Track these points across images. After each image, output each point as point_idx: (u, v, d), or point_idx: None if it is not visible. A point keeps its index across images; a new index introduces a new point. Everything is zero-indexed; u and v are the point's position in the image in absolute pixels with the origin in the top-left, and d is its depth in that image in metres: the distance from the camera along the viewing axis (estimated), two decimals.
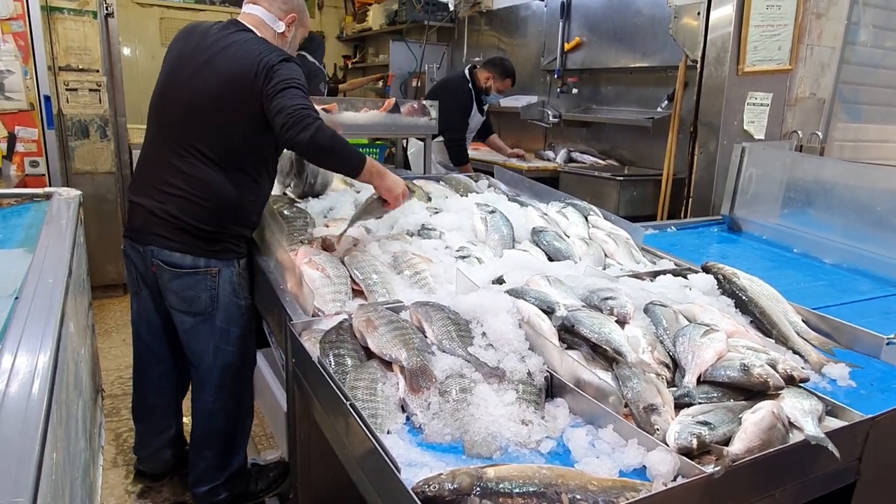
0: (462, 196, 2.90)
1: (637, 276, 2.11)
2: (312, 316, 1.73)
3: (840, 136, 3.79)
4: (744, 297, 1.87)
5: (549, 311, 1.54)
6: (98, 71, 4.70)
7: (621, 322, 1.52)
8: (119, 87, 4.97)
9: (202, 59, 2.02)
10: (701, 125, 3.50)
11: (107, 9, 4.78)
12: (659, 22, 4.11)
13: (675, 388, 1.35)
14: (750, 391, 1.33)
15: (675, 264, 2.31)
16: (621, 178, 3.90)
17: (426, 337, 1.51)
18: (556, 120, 5.10)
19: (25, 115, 3.68)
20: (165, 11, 7.98)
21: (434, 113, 3.49)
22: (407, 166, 4.51)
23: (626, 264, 2.29)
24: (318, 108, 3.24)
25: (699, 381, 1.36)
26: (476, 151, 5.17)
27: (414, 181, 3.11)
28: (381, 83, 7.44)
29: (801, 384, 1.38)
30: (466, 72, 4.66)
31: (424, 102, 3.49)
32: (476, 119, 4.71)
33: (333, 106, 3.27)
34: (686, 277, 2.04)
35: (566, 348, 1.48)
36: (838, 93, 3.69)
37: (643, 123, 4.15)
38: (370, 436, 1.14)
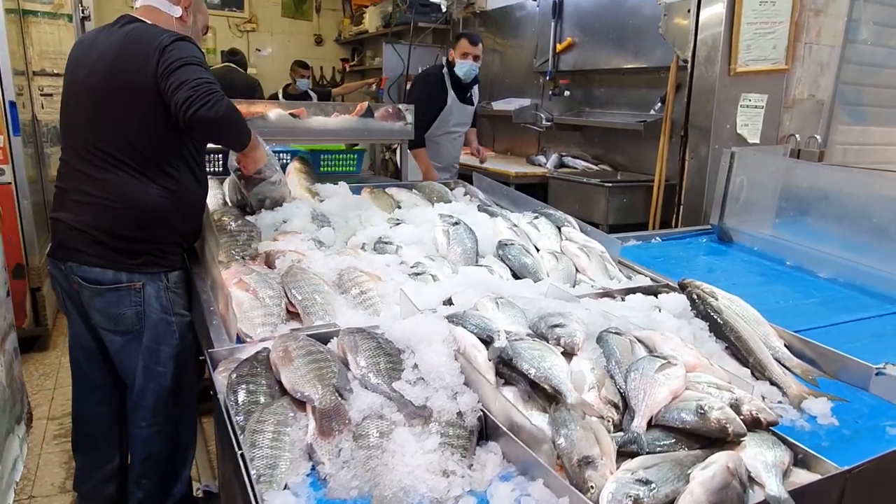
0: (435, 205, 2.75)
1: (608, 293, 1.94)
2: (238, 342, 1.58)
3: (841, 139, 3.59)
4: (718, 320, 1.69)
5: (488, 341, 1.38)
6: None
7: (569, 353, 1.35)
8: None
9: (94, 58, 1.90)
10: (691, 129, 3.31)
11: (83, 12, 4.68)
12: (651, 21, 3.93)
13: (622, 433, 1.18)
14: (708, 437, 1.16)
15: (652, 280, 2.13)
16: (610, 185, 3.72)
17: (350, 370, 1.35)
18: (549, 123, 4.93)
19: None
20: None
21: (410, 118, 3.33)
22: (397, 175, 4.29)
23: (598, 280, 2.11)
24: (285, 112, 3.12)
25: (650, 425, 1.18)
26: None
27: (386, 189, 2.96)
28: (374, 86, 7.31)
29: (770, 428, 1.21)
30: (444, 61, 4.39)
31: (399, 106, 3.33)
32: (459, 110, 4.25)
33: (302, 111, 3.12)
34: (657, 296, 1.87)
35: (503, 384, 1.31)
36: (839, 94, 3.49)
37: (635, 127, 3.97)
38: (252, 494, 0.98)
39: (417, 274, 1.94)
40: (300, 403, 1.26)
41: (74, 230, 1.88)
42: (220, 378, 1.36)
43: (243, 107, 3.07)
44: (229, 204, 2.51)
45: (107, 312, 1.90)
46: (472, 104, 4.36)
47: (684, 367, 1.29)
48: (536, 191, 4.31)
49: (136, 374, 1.97)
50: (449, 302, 1.71)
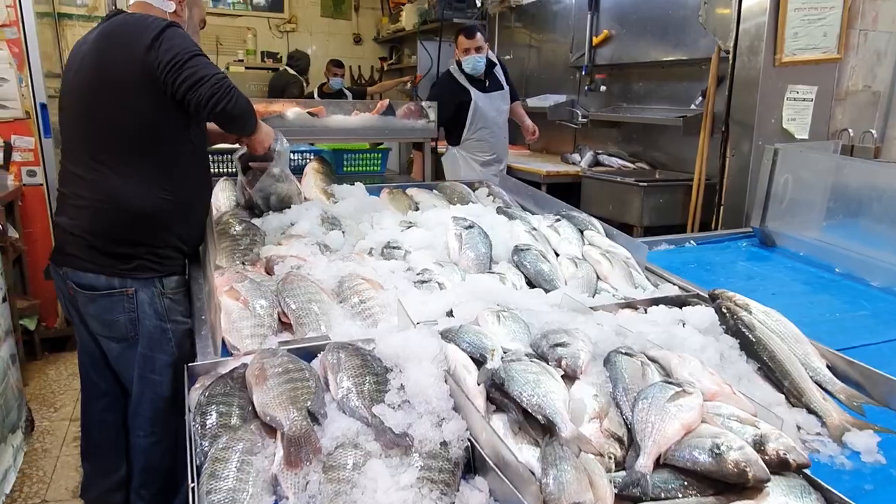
0: (456, 206, 2.63)
1: (630, 304, 1.78)
2: (225, 355, 1.49)
3: None
4: (751, 338, 1.52)
5: (481, 361, 1.24)
6: None
7: (570, 377, 1.20)
8: None
9: (81, 56, 1.85)
10: (733, 124, 3.09)
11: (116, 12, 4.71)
12: (692, 11, 3.70)
13: (624, 473, 1.03)
14: (725, 482, 1.00)
15: (681, 289, 1.96)
16: (645, 184, 3.52)
17: (330, 390, 1.24)
18: (585, 120, 4.74)
19: (21, 124, 3.59)
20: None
21: (433, 115, 3.21)
22: (440, 175, 4.12)
23: (621, 289, 1.95)
24: (304, 111, 3.03)
25: (658, 465, 1.03)
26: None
27: (406, 189, 2.85)
28: (409, 84, 7.22)
29: (801, 470, 1.04)
30: (454, 60, 4.22)
31: (423, 104, 3.21)
32: (486, 101, 4.05)
33: (321, 109, 3.04)
34: (683, 308, 1.70)
35: (495, 410, 1.18)
36: None
37: (673, 123, 3.75)
38: None
39: (423, 282, 1.82)
40: (271, 428, 1.16)
41: (70, 235, 1.84)
42: (194, 395, 1.27)
43: (262, 105, 3.01)
44: (240, 206, 2.44)
45: (101, 319, 1.85)
46: (502, 87, 4.18)
47: (701, 397, 1.14)
48: (569, 191, 4.14)
49: (131, 383, 1.91)
50: (450, 314, 1.59)
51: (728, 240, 2.70)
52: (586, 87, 4.78)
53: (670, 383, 1.14)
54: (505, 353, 1.27)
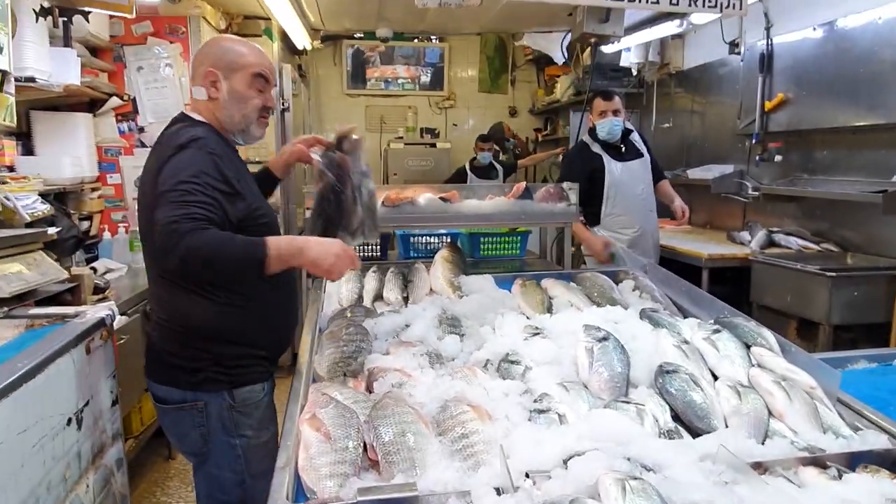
0: (595, 304, 2.31)
1: (817, 459, 1.34)
2: (299, 500, 1.30)
3: None
4: None
5: None
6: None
7: None
8: (290, 177, 5.18)
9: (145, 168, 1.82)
10: None
11: (283, 104, 5.07)
12: (891, 65, 3.14)
13: None
14: None
15: (894, 437, 1.46)
16: (834, 273, 2.91)
17: None
18: (756, 193, 4.18)
19: None
20: (370, 100, 8.74)
21: (573, 197, 2.93)
22: (582, 260, 3.79)
23: (802, 433, 1.50)
24: (436, 196, 2.91)
25: None
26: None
27: (541, 280, 2.57)
28: (560, 156, 7.02)
29: None
30: (587, 129, 3.93)
31: (563, 185, 2.95)
32: (622, 170, 3.69)
33: (454, 194, 2.90)
34: None
35: None
36: None
37: (870, 199, 3.12)
38: None
39: (541, 412, 1.52)
40: None
41: (151, 347, 1.83)
42: None
43: (394, 191, 2.94)
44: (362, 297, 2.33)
45: (174, 432, 1.80)
46: (641, 155, 3.81)
47: None
48: (738, 277, 3.60)
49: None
50: (567, 462, 1.27)
51: None
52: (757, 157, 4.24)
53: None
54: None
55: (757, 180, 4.28)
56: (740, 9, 2.41)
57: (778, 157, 4.08)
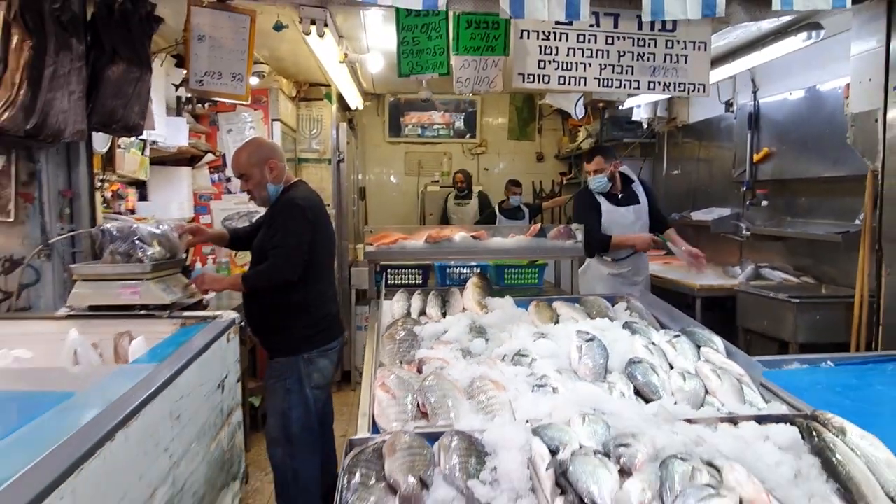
0: (593, 319, 2.94)
1: (731, 419, 1.94)
2: (375, 432, 1.96)
3: None
4: (832, 460, 1.62)
5: (556, 452, 1.56)
6: (329, 204, 5.74)
7: (626, 472, 1.47)
8: (344, 216, 5.96)
9: None
10: (886, 242, 3.05)
11: (339, 155, 5.87)
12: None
13: None
14: None
15: (793, 408, 2.06)
16: (798, 301, 3.50)
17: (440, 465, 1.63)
18: (748, 234, 4.77)
19: None
20: (409, 146, 9.52)
21: (580, 236, 3.59)
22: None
23: (728, 404, 2.11)
24: (468, 234, 3.60)
25: None
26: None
27: (553, 303, 3.22)
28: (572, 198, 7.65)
29: None
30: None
31: (571, 226, 3.62)
32: (616, 214, 4.25)
33: (483, 234, 3.58)
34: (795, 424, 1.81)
35: (560, 493, 1.48)
36: None
37: (833, 238, 3.71)
38: None
39: (539, 386, 2.16)
40: (393, 489, 1.57)
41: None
42: (346, 460, 1.74)
43: (436, 231, 3.64)
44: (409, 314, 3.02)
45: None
46: (638, 202, 4.33)
47: (736, 500, 1.34)
48: (728, 306, 4.19)
49: None
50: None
51: (874, 362, 2.64)
52: (748, 202, 4.85)
53: (706, 486, 1.36)
54: (580, 448, 1.58)
55: (750, 222, 4.87)
56: (704, 92, 3.05)
57: (764, 203, 4.69)
